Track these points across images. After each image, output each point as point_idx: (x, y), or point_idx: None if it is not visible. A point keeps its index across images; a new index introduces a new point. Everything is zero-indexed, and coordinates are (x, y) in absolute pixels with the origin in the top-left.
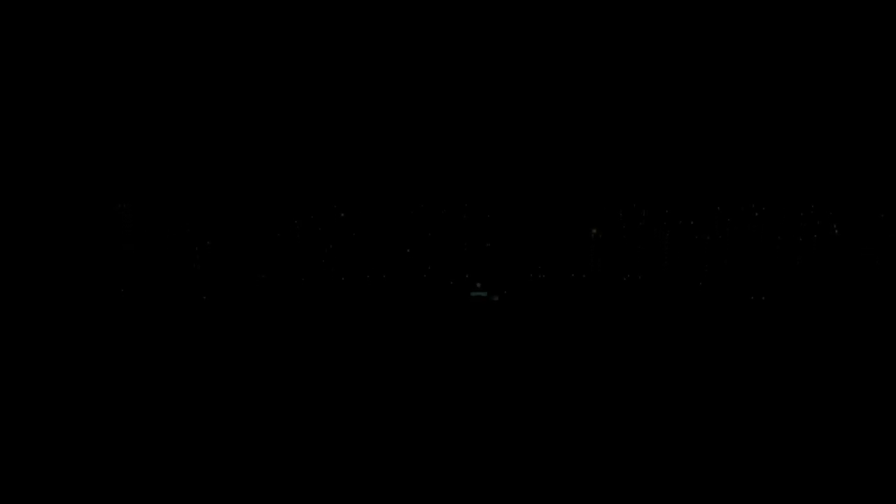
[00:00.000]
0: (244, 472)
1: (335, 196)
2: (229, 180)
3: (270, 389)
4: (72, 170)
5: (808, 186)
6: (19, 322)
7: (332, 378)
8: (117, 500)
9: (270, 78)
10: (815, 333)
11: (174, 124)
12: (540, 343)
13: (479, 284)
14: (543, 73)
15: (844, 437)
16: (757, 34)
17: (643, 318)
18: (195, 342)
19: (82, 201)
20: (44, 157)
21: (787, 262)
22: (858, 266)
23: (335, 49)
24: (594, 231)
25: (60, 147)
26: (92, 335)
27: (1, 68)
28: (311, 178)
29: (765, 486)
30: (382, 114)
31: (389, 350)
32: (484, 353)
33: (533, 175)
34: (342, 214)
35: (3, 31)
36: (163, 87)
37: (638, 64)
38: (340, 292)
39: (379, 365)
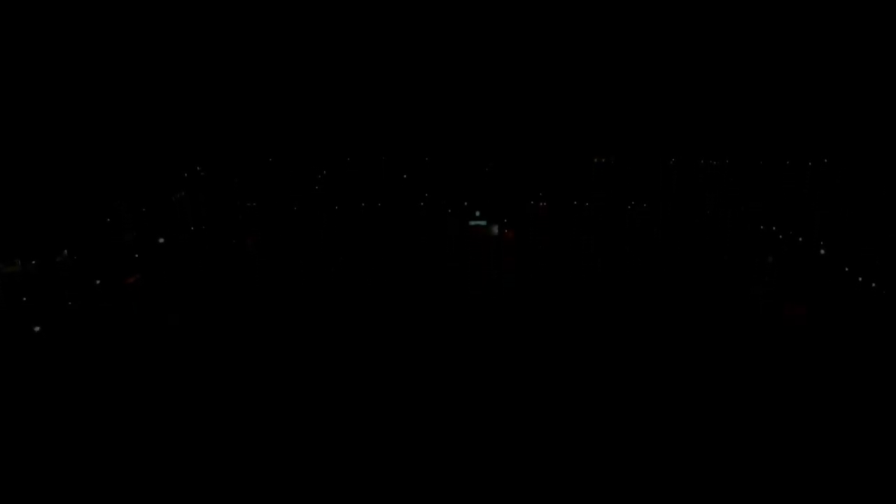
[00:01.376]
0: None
1: (332, 125)
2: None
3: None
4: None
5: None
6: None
7: (326, 319)
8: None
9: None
10: (818, 264)
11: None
12: (538, 272)
13: (478, 213)
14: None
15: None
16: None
17: (647, 247)
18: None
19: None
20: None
21: (790, 193)
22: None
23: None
24: (596, 159)
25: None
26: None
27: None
28: (309, 118)
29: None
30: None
31: (376, 285)
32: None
33: (537, 102)
34: (335, 140)
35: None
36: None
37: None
38: (333, 221)
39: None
